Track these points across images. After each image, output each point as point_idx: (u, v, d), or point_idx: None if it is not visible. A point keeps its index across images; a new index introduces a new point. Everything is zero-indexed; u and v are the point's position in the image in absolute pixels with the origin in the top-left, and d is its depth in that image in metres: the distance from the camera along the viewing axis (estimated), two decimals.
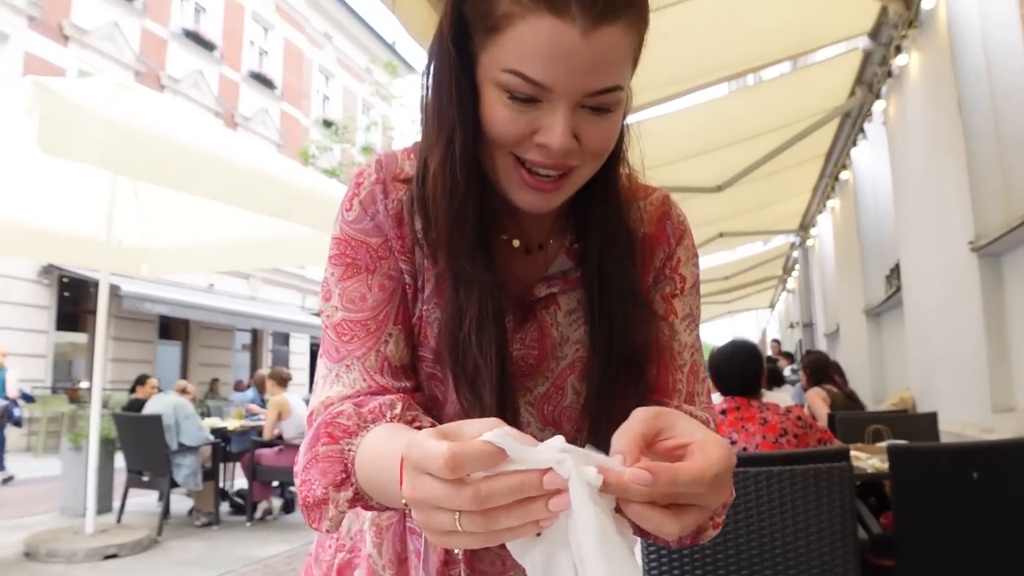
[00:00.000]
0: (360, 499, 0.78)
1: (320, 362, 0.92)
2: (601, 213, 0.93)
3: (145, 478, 6.61)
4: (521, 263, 0.94)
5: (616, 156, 0.91)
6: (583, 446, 0.59)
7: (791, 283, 15.12)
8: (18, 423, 11.19)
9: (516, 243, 0.94)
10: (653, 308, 0.95)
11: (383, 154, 0.95)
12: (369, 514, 0.97)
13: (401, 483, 0.61)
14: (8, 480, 10.14)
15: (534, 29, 0.74)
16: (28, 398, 12.17)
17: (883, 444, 3.31)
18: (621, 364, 0.90)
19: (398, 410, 0.82)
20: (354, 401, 0.84)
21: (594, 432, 0.90)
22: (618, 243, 0.93)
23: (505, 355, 0.87)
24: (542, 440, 0.59)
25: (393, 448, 0.69)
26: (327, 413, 0.83)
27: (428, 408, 0.91)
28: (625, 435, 0.63)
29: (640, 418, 0.64)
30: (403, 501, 0.62)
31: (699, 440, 0.63)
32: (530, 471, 0.57)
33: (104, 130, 4.09)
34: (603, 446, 0.57)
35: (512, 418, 0.87)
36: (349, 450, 0.78)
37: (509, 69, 0.77)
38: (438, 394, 0.93)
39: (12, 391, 10.95)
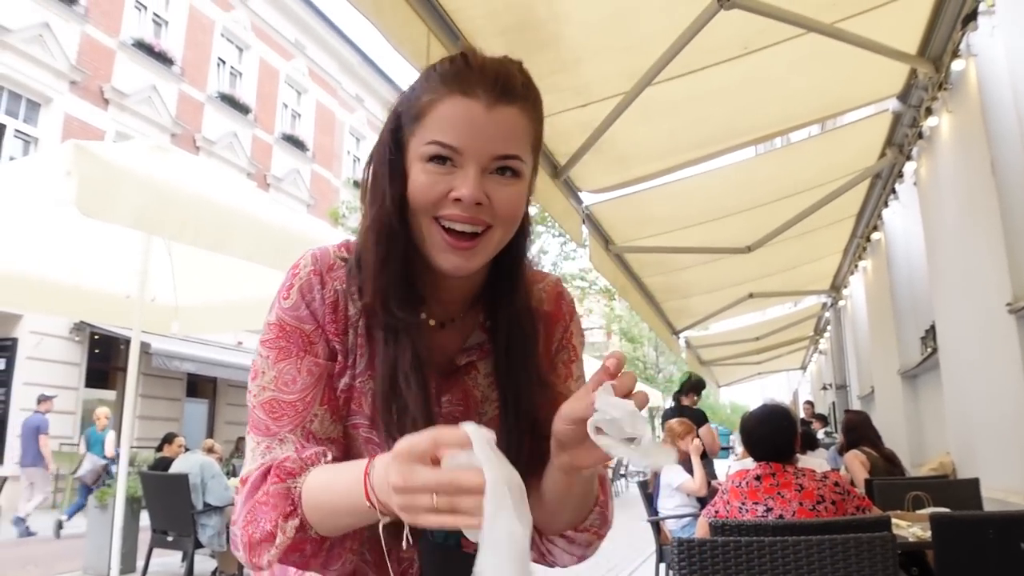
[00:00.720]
0: (303, 529, 0.94)
1: (249, 437, 1.04)
2: (508, 298, 1.10)
3: (170, 538, 6.55)
4: (440, 336, 1.10)
5: (522, 247, 1.10)
6: None
7: (823, 344, 14.92)
8: None
9: (432, 322, 1.09)
10: (552, 383, 1.13)
11: (317, 249, 1.11)
12: None
13: (367, 494, 0.85)
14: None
15: (448, 106, 0.96)
16: None
17: (924, 512, 3.21)
18: (526, 432, 1.05)
19: (330, 458, 0.99)
20: (295, 448, 0.99)
21: None
22: (523, 327, 1.10)
23: (430, 394, 1.02)
24: None
25: (350, 472, 0.90)
26: (273, 462, 0.97)
27: None
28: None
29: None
30: (367, 504, 0.85)
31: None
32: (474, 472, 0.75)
33: (141, 192, 4.17)
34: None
35: None
36: (295, 487, 0.95)
37: (430, 140, 0.96)
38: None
39: (110, 450, 11.54)
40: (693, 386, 7.71)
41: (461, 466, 0.76)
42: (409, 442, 0.78)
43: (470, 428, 0.77)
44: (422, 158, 0.97)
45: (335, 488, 0.92)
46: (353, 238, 1.13)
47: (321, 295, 1.05)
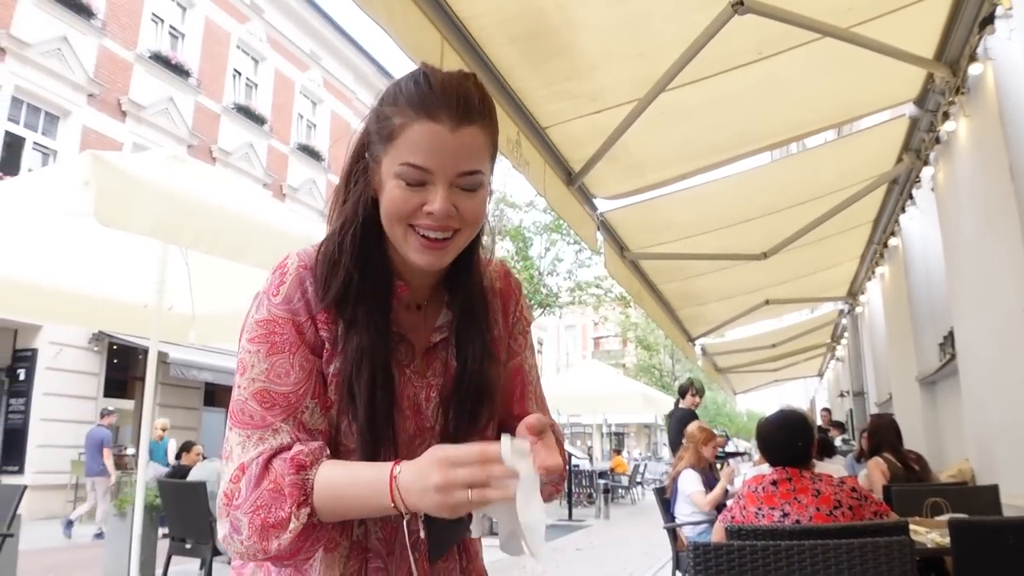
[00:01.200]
0: (312, 515, 1.04)
1: (234, 432, 1.11)
2: (464, 280, 1.25)
3: (188, 545, 6.58)
4: (416, 318, 1.24)
5: (478, 237, 1.23)
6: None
7: (840, 351, 14.81)
8: None
9: (408, 305, 1.23)
10: (498, 355, 1.27)
11: (299, 250, 1.21)
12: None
13: (392, 495, 0.99)
14: None
15: (417, 131, 1.07)
16: None
17: (943, 518, 3.18)
18: (475, 398, 1.21)
19: (328, 452, 1.09)
20: (301, 443, 1.08)
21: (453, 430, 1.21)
22: (475, 306, 1.25)
23: (388, 383, 1.15)
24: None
25: (369, 473, 1.03)
26: (280, 457, 1.06)
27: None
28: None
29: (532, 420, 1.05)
30: (390, 504, 0.99)
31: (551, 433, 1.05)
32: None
33: (158, 201, 4.20)
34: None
35: (384, 436, 1.14)
36: (307, 479, 1.04)
37: (403, 162, 1.08)
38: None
39: (172, 458, 12.05)
40: (686, 390, 8.21)
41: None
42: (455, 451, 0.95)
43: (505, 440, 0.94)
44: (396, 176, 1.09)
45: (354, 484, 1.04)
46: None
47: (313, 287, 1.15)
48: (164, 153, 5.95)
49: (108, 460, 11.64)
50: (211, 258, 5.46)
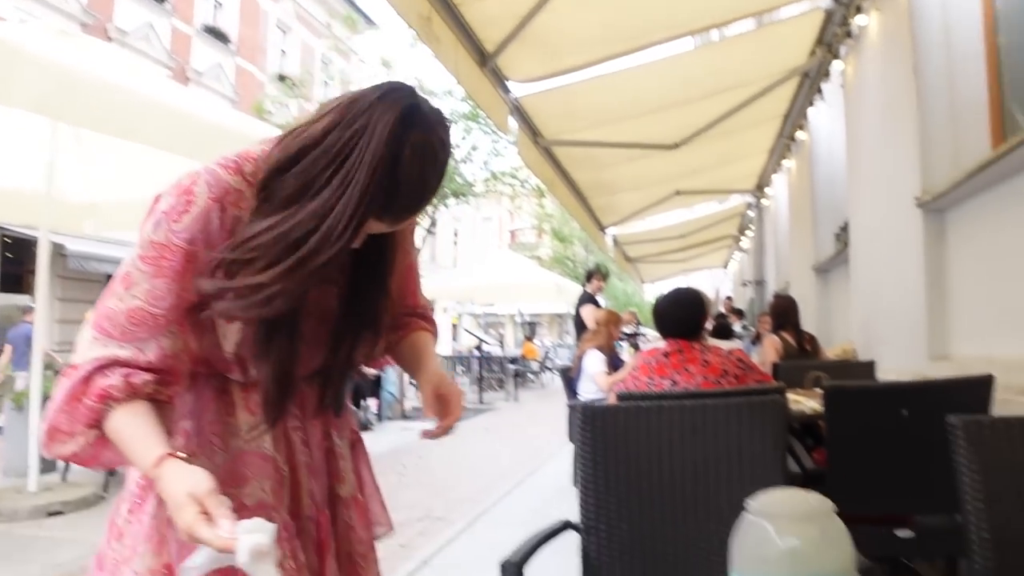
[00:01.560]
0: (101, 440, 1.11)
1: (91, 332, 1.14)
2: None
3: None
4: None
5: None
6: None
7: (745, 243, 15.30)
8: None
9: None
10: (388, 288, 1.33)
11: (207, 174, 1.14)
12: None
13: (153, 476, 1.06)
14: None
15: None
16: None
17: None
18: (366, 326, 1.31)
19: (150, 389, 1.12)
20: (123, 373, 1.11)
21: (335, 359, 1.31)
22: (381, 244, 1.25)
23: (297, 335, 1.21)
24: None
25: (139, 448, 1.09)
26: (104, 375, 1.10)
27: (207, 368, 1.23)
28: (428, 384, 1.36)
29: (434, 379, 1.36)
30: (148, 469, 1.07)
31: (454, 392, 1.36)
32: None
33: (41, 74, 3.97)
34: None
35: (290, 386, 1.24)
36: (107, 409, 1.09)
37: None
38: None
39: None
40: (592, 274, 8.61)
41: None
42: (202, 534, 0.98)
43: (244, 544, 0.96)
44: None
45: (130, 444, 1.10)
46: (239, 156, 1.18)
47: (220, 220, 1.12)
48: (51, 26, 5.58)
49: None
50: (108, 143, 5.23)
